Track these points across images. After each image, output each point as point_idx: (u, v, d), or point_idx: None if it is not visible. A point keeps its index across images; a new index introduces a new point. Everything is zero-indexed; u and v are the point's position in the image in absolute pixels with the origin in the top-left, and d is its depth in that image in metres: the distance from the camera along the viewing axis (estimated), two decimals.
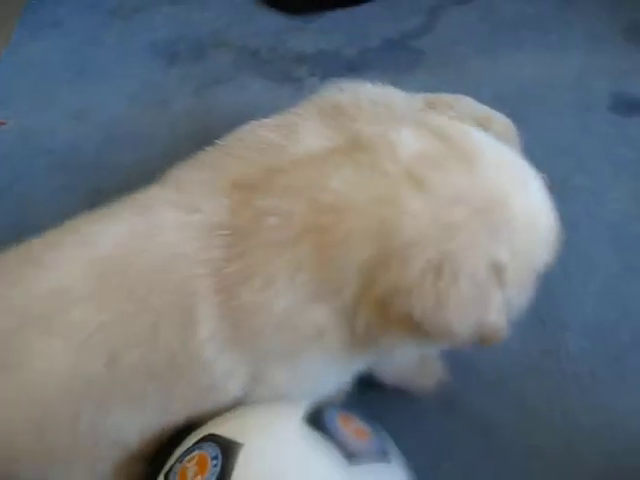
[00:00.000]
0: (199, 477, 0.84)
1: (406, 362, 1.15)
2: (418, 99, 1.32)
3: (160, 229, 0.91)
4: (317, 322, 0.85)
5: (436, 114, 1.27)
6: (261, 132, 1.27)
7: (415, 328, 0.82)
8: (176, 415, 0.94)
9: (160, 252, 0.89)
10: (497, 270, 0.80)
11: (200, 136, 1.37)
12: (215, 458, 0.85)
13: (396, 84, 1.37)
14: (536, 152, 1.38)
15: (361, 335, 0.86)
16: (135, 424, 0.93)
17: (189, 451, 0.89)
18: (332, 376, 0.97)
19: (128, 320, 0.87)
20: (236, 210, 0.90)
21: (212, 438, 0.88)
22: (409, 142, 0.84)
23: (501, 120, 1.31)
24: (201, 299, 0.87)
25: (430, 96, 1.33)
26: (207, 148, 1.31)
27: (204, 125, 1.73)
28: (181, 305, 0.87)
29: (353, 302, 0.83)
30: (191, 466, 0.86)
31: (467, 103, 1.32)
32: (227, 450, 0.85)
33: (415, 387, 1.19)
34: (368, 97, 1.32)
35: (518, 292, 0.87)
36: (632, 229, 1.46)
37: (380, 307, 0.82)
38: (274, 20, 2.09)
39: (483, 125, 1.27)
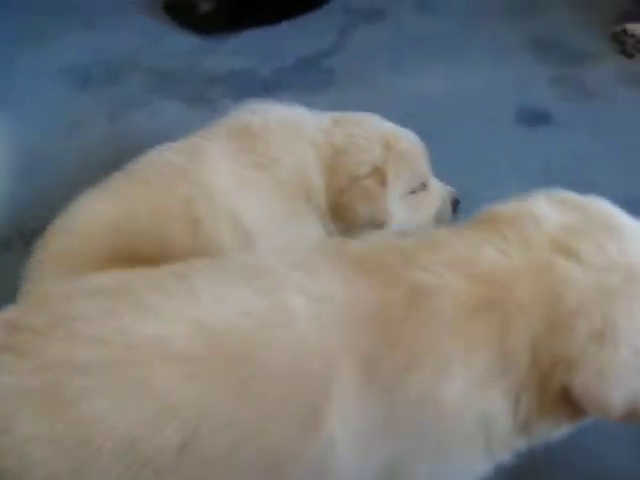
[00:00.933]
0: None
1: None
2: (325, 118, 1.34)
3: (289, 316, 0.81)
4: (486, 408, 0.79)
5: (342, 131, 1.30)
6: (168, 156, 1.27)
7: (572, 406, 0.79)
8: None
9: (291, 339, 0.80)
10: None
11: (112, 160, 1.36)
12: None
13: (308, 103, 1.40)
14: (446, 166, 1.43)
15: (521, 423, 0.81)
16: None
17: None
18: (475, 471, 0.89)
19: (230, 405, 0.77)
20: (379, 293, 0.82)
21: None
22: (549, 213, 0.84)
23: (408, 137, 1.33)
24: (339, 393, 0.78)
25: (337, 115, 1.35)
26: (116, 173, 1.31)
27: (117, 150, 1.70)
28: (311, 399, 0.78)
29: (520, 383, 0.79)
30: None
31: (373, 121, 1.34)
32: None
33: None
34: (277, 118, 1.34)
35: None
36: None
37: (542, 385, 0.79)
38: (187, 41, 2.08)
39: (389, 142, 1.30)
